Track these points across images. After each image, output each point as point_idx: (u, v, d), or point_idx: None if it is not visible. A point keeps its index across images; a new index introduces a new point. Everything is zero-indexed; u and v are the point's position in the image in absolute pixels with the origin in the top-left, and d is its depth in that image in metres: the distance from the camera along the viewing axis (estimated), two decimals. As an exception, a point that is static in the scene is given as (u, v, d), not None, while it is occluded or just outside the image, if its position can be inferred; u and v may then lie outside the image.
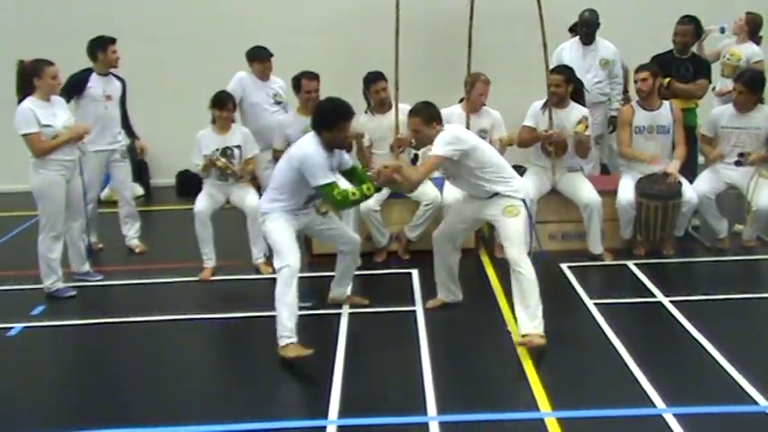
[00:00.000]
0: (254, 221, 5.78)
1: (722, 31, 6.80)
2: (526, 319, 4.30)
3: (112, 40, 6.26)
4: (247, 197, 5.81)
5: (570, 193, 5.87)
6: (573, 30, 7.04)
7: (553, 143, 5.73)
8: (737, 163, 5.85)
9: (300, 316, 4.55)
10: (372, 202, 5.81)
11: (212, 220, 5.79)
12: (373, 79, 5.99)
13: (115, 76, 6.36)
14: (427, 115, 4.55)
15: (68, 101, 5.86)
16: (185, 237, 6.28)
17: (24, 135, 5.16)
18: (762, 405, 3.62)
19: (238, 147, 5.83)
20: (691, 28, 6.22)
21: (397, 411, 3.67)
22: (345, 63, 7.54)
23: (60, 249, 5.40)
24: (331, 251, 5.96)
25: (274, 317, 4.31)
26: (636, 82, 5.89)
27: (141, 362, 4.55)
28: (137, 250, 6.46)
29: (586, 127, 5.73)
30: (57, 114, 5.28)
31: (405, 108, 5.96)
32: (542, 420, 3.53)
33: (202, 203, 5.78)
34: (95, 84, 6.19)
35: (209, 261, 5.75)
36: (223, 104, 5.79)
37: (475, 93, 5.92)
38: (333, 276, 5.07)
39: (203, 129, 5.89)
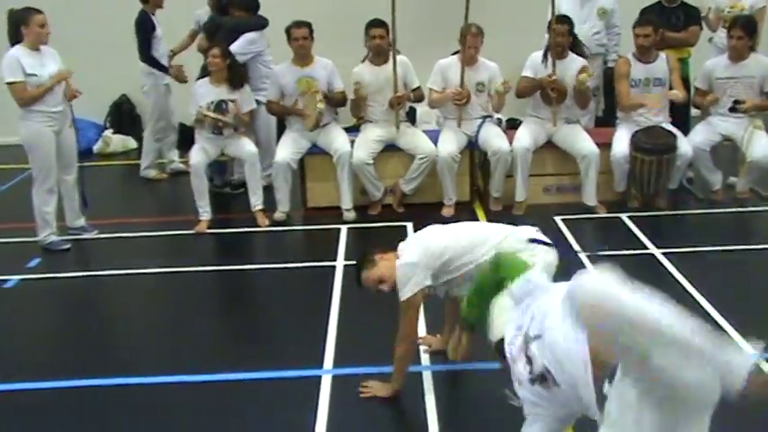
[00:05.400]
0: (253, 167, 5.77)
1: None
2: None
3: None
4: (245, 145, 5.79)
5: (568, 145, 5.86)
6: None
7: (555, 89, 5.69)
8: (732, 110, 5.82)
9: (296, 268, 4.58)
10: (366, 156, 5.81)
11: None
12: (372, 24, 5.86)
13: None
14: None
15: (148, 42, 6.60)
16: (181, 190, 6.28)
17: (8, 84, 5.10)
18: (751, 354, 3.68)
19: (233, 100, 5.78)
20: None
21: (392, 361, 3.72)
22: (343, 14, 7.44)
23: (55, 202, 5.38)
24: (326, 204, 6.01)
25: (271, 269, 4.27)
26: (637, 37, 5.83)
27: (137, 314, 4.61)
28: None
29: (589, 76, 5.72)
30: (45, 65, 5.18)
31: (402, 60, 5.91)
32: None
33: (197, 157, 5.75)
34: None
35: (205, 214, 5.74)
36: (206, 49, 5.78)
37: (465, 46, 5.77)
38: (326, 229, 5.08)
39: (201, 80, 5.88)
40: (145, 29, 6.64)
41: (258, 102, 6.11)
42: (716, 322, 3.99)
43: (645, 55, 5.83)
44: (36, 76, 5.11)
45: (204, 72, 5.97)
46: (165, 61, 6.86)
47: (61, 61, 5.34)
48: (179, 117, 7.22)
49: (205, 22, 6.61)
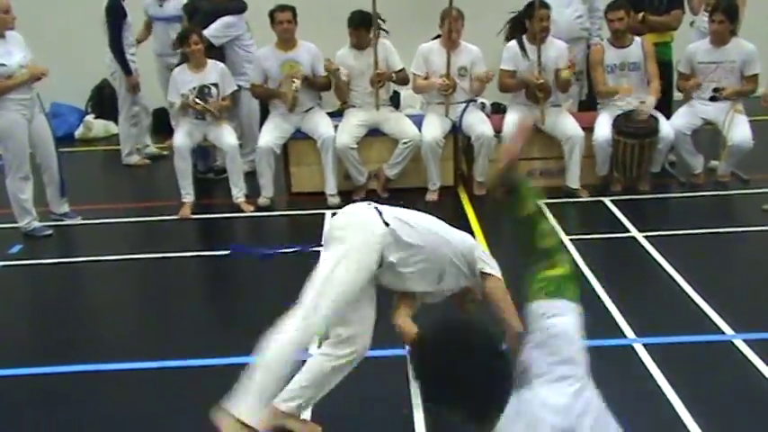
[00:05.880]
0: (233, 160, 5.77)
1: None
2: None
3: None
4: (225, 136, 5.77)
5: (553, 128, 5.86)
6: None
7: (543, 90, 5.69)
8: (712, 98, 5.86)
9: (280, 253, 4.60)
10: (350, 140, 5.80)
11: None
12: (351, 22, 5.79)
13: None
14: None
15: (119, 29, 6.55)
16: (163, 175, 6.23)
17: None
18: (728, 335, 3.73)
19: (215, 84, 5.76)
20: None
21: (377, 345, 3.74)
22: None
23: (31, 189, 5.32)
24: (310, 189, 6.00)
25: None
26: (611, 21, 5.83)
27: (119, 300, 4.59)
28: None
29: (572, 72, 5.76)
30: (11, 52, 5.06)
31: (384, 43, 5.89)
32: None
33: (182, 138, 5.73)
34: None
35: (188, 196, 5.72)
36: (184, 40, 5.70)
37: (445, 29, 5.77)
38: (310, 214, 5.07)
39: (178, 67, 5.83)
40: (116, 15, 6.57)
41: (239, 86, 6.08)
42: (693, 302, 4.05)
43: (619, 40, 5.85)
44: (5, 66, 4.99)
45: (182, 59, 5.92)
46: (133, 50, 6.82)
47: (26, 46, 5.21)
48: (155, 103, 7.17)
49: (185, 4, 6.54)
